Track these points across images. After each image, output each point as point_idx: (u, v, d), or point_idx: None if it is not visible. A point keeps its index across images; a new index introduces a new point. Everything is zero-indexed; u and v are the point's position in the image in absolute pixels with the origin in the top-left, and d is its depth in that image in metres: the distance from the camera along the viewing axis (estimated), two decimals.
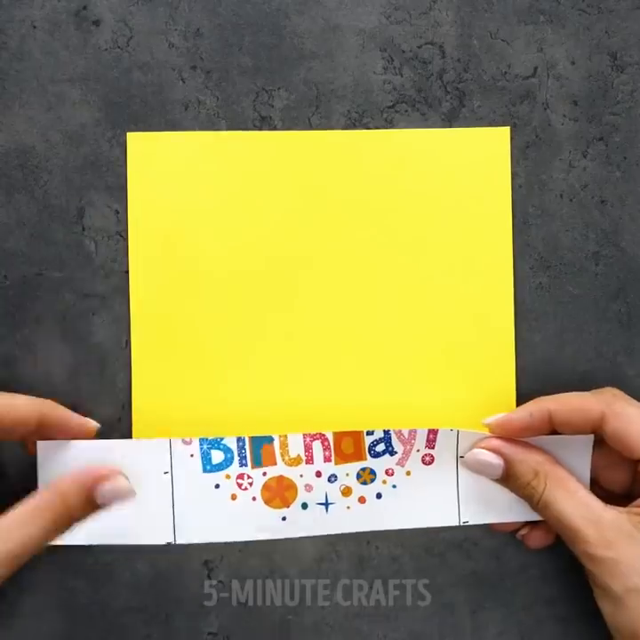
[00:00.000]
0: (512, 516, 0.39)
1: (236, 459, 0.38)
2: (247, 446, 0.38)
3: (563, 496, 0.36)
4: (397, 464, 0.38)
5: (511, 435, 0.37)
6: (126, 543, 0.38)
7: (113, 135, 0.40)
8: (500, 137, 0.40)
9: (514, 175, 0.40)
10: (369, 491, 0.38)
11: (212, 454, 0.38)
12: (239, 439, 0.38)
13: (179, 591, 0.40)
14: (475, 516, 0.39)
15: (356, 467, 0.38)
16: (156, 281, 0.40)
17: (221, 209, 0.40)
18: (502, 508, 0.38)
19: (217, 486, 0.38)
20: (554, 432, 0.37)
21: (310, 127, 0.40)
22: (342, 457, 0.38)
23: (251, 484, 0.38)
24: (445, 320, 0.40)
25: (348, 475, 0.38)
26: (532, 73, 0.40)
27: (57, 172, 0.40)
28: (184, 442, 0.38)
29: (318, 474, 0.38)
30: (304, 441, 0.38)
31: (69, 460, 0.37)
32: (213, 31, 0.40)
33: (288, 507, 0.38)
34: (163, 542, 0.38)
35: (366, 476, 0.38)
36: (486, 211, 0.40)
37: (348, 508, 0.38)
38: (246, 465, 0.38)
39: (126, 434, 0.39)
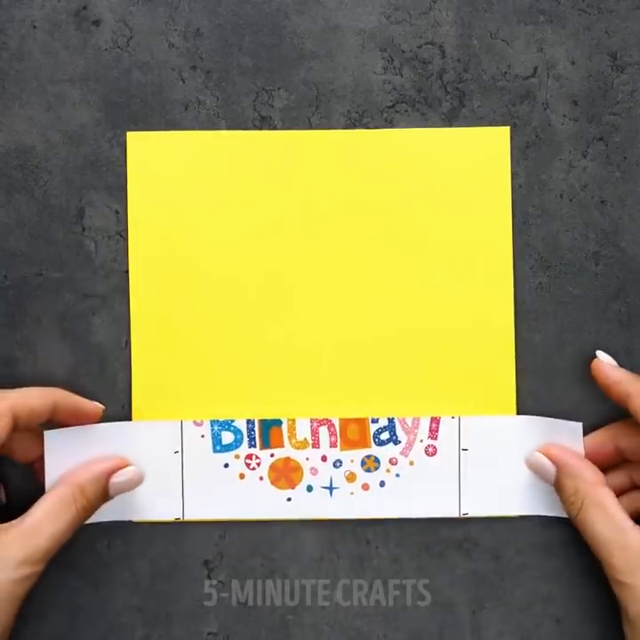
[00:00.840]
0: (512, 509, 0.39)
1: (246, 440, 0.39)
2: (256, 428, 0.39)
3: (597, 519, 0.36)
4: (401, 454, 0.39)
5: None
6: (136, 519, 0.39)
7: (113, 135, 0.40)
8: (500, 137, 0.40)
9: (514, 175, 0.40)
10: (373, 478, 0.39)
11: (223, 435, 0.39)
12: (249, 421, 0.39)
13: (178, 591, 0.40)
14: (475, 508, 0.39)
15: (360, 453, 0.39)
16: (155, 281, 0.40)
17: (221, 209, 0.40)
18: (502, 502, 0.39)
19: (226, 465, 0.39)
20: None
21: (310, 127, 0.40)
22: (348, 443, 0.39)
23: (258, 464, 0.39)
24: (445, 320, 0.40)
25: (352, 461, 0.39)
26: (531, 73, 0.40)
27: (57, 172, 0.40)
28: (195, 423, 0.39)
29: (324, 458, 0.39)
30: (311, 425, 0.39)
31: (80, 446, 0.38)
32: (213, 31, 0.40)
33: (293, 488, 0.39)
34: (171, 518, 0.39)
35: (371, 464, 0.40)
36: (486, 210, 0.40)
37: (352, 493, 0.39)
38: (255, 446, 0.39)
39: None
